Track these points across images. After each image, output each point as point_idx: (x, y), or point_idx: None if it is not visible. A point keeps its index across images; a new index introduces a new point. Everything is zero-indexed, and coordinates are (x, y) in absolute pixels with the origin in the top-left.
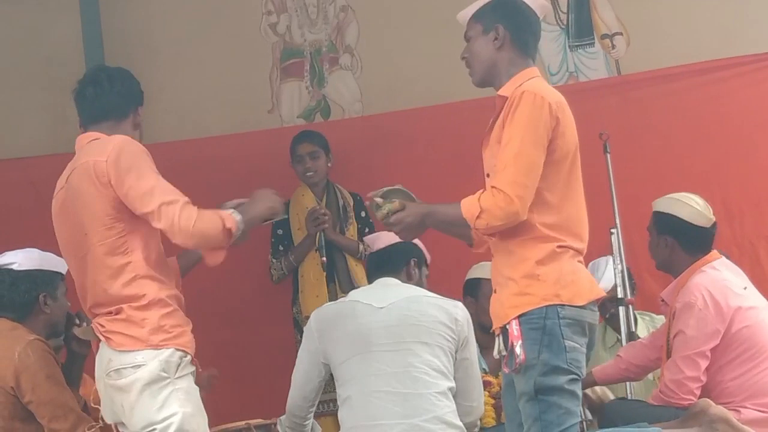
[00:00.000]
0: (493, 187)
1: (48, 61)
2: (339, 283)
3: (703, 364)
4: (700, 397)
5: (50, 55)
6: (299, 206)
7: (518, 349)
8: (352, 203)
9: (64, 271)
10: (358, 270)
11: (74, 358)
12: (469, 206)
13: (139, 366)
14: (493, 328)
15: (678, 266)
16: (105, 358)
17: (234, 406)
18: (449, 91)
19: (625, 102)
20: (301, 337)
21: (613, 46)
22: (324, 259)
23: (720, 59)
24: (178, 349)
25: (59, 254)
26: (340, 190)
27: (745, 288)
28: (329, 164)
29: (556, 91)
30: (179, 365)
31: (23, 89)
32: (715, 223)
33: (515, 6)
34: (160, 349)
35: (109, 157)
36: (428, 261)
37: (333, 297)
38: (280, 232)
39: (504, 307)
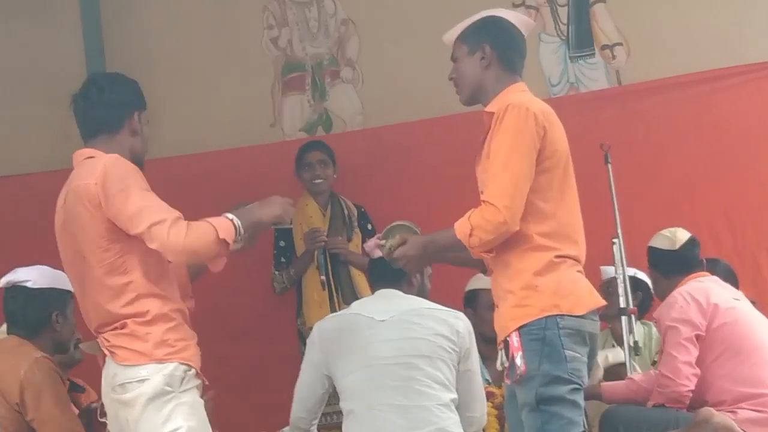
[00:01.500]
0: (483, 201)
1: (50, 77)
2: (342, 294)
3: (693, 350)
4: (695, 401)
5: (52, 71)
6: (303, 216)
7: (519, 361)
8: (356, 214)
9: (72, 289)
10: (360, 279)
11: None
12: (461, 227)
13: (143, 380)
14: (498, 342)
15: (663, 292)
16: (110, 372)
17: (239, 419)
18: (450, 104)
19: (626, 112)
20: (305, 348)
21: (614, 57)
22: (323, 278)
23: (720, 69)
24: (182, 363)
25: (60, 268)
26: (344, 201)
27: (737, 300)
28: (335, 175)
29: (542, 102)
30: (183, 379)
31: (25, 105)
32: (687, 246)
33: (500, 25)
34: (164, 363)
35: (97, 180)
36: None
37: (335, 308)
38: (282, 243)
39: (504, 320)
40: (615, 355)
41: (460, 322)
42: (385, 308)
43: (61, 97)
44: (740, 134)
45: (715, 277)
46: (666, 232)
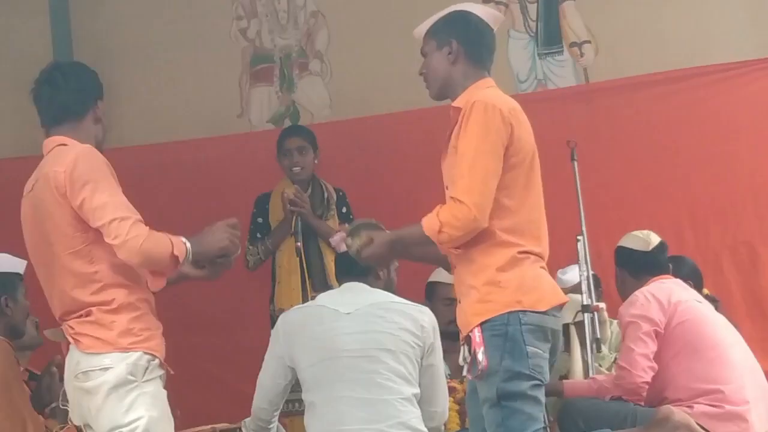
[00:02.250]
0: (451, 197)
1: (16, 63)
2: (312, 281)
3: (651, 345)
4: (654, 397)
5: (19, 57)
6: (280, 204)
7: (480, 356)
8: (335, 198)
9: (22, 271)
10: (333, 267)
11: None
12: (429, 223)
13: (106, 369)
14: (461, 337)
15: (629, 292)
16: (74, 360)
17: (207, 409)
18: (418, 98)
19: (593, 110)
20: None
21: (582, 55)
22: (299, 243)
23: (687, 68)
24: (146, 353)
25: (22, 253)
26: (324, 184)
27: (699, 302)
28: (316, 161)
29: (509, 98)
30: (147, 369)
31: None
32: (659, 248)
33: (468, 20)
34: (128, 352)
35: (67, 168)
36: None
37: (306, 293)
38: (260, 220)
39: (467, 315)
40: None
41: (425, 317)
42: (350, 301)
43: (27, 84)
44: (705, 134)
45: (677, 280)
46: (638, 233)
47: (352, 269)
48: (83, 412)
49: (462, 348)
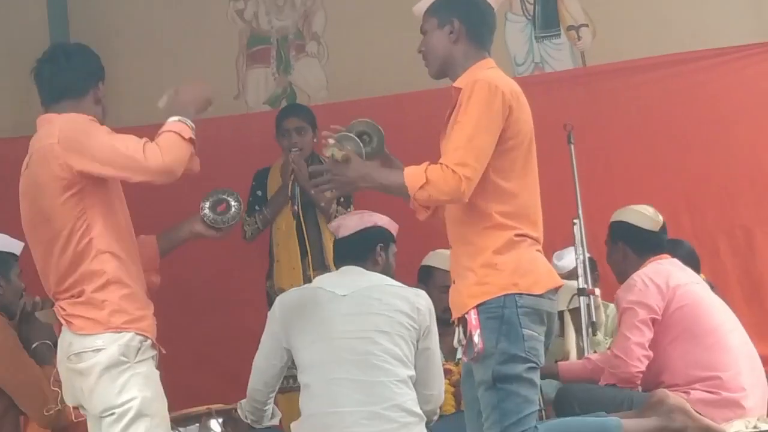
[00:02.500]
0: (442, 164)
1: (13, 44)
2: (312, 259)
3: (647, 333)
4: (650, 382)
5: (15, 38)
6: (279, 178)
7: (476, 339)
8: None
9: (17, 252)
10: (331, 246)
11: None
12: (413, 176)
13: (99, 350)
14: (453, 318)
15: (630, 270)
16: (66, 341)
17: (202, 390)
18: (416, 80)
19: (590, 93)
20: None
21: (579, 38)
22: (295, 207)
23: (685, 52)
24: (138, 334)
25: (19, 236)
26: (324, 161)
27: (696, 283)
28: (315, 140)
29: (511, 80)
30: (139, 349)
31: None
32: (663, 228)
33: (470, 0)
34: (120, 332)
35: (58, 137)
36: (395, 234)
37: (306, 271)
38: (259, 193)
39: (462, 297)
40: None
41: (422, 300)
42: (347, 284)
43: (24, 64)
44: (703, 118)
45: (675, 260)
46: (642, 210)
47: (349, 254)
48: (76, 393)
49: (456, 330)
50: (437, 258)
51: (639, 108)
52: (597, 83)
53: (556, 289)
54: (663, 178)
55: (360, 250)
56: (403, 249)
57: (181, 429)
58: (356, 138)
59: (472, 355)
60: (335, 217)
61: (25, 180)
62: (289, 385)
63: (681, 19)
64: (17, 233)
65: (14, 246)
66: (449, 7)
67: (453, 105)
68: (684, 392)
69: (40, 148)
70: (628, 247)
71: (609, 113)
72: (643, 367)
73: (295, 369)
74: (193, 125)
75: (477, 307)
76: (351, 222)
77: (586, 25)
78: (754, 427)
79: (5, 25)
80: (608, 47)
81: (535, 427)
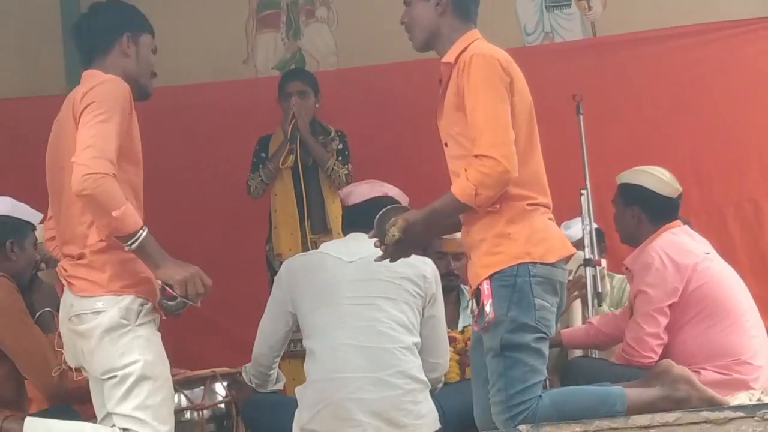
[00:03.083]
0: (475, 156)
1: (23, 4)
2: (311, 223)
3: (663, 320)
4: (662, 358)
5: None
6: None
7: (488, 308)
8: (337, 139)
9: (35, 222)
10: (334, 209)
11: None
12: (462, 189)
13: (99, 312)
14: (470, 291)
15: (642, 237)
16: (67, 302)
17: (205, 354)
18: None
19: (600, 64)
20: (273, 276)
21: (590, 8)
22: (293, 146)
23: (695, 24)
24: (138, 297)
25: (29, 199)
26: (324, 126)
27: (708, 253)
28: (317, 105)
29: (503, 51)
30: (140, 312)
31: None
32: (680, 194)
33: None
34: (121, 295)
35: (86, 90)
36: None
37: (305, 234)
38: (263, 155)
39: (476, 268)
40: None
41: (428, 268)
42: (353, 250)
43: (33, 25)
44: (712, 90)
45: (686, 227)
46: (658, 173)
47: (358, 221)
48: (77, 354)
49: (470, 302)
50: None
51: (648, 79)
52: (607, 54)
53: (569, 258)
54: (671, 150)
55: (368, 217)
56: None
57: (186, 392)
58: (390, 207)
59: (483, 325)
60: (333, 170)
61: (54, 127)
62: (294, 349)
63: None
64: (25, 190)
65: (32, 215)
66: None
67: (445, 81)
68: (695, 371)
69: (70, 96)
70: (643, 213)
71: (618, 84)
72: (656, 357)
73: (301, 333)
74: (140, 240)
75: (490, 276)
76: (362, 190)
77: None
78: (758, 399)
79: None
80: (618, 18)
81: (540, 396)
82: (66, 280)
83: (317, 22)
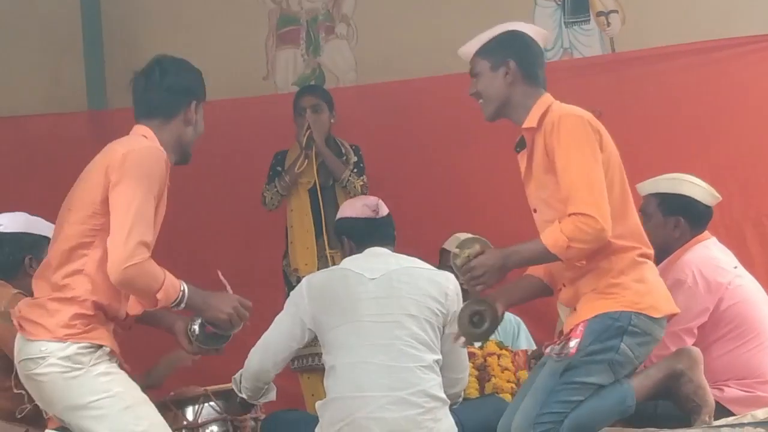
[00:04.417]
0: (571, 214)
1: (44, 21)
2: (328, 237)
3: (689, 340)
4: None
5: (46, 15)
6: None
7: (573, 343)
8: (353, 155)
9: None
10: None
11: None
12: (555, 240)
13: (45, 357)
14: (563, 334)
15: (677, 247)
16: (18, 346)
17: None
18: (444, 63)
19: (619, 80)
20: (291, 291)
21: (608, 24)
22: (308, 151)
23: (714, 40)
24: (91, 342)
25: (49, 216)
26: (341, 142)
27: (735, 267)
28: (332, 120)
29: (584, 109)
30: (94, 353)
31: (18, 48)
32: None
33: (522, 40)
34: (65, 342)
35: (125, 153)
36: None
37: (322, 251)
38: (279, 168)
39: (580, 312)
40: None
41: (450, 285)
42: (375, 266)
43: (54, 42)
44: (730, 106)
45: (715, 239)
46: (696, 181)
47: (375, 235)
48: (35, 396)
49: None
50: (456, 240)
51: (667, 95)
52: (625, 70)
53: (672, 316)
54: (689, 167)
55: (386, 230)
56: (426, 231)
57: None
58: (474, 236)
59: (559, 353)
60: (348, 182)
61: (89, 165)
62: (313, 363)
63: (710, 7)
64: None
65: (48, 230)
66: (502, 49)
67: (530, 146)
68: (718, 387)
69: (110, 149)
70: (687, 223)
71: (637, 100)
72: None
73: (317, 347)
74: (185, 299)
75: (590, 318)
76: (383, 204)
77: (616, 11)
78: None
79: (35, 2)
80: (637, 34)
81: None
82: (18, 321)
83: (337, 39)
